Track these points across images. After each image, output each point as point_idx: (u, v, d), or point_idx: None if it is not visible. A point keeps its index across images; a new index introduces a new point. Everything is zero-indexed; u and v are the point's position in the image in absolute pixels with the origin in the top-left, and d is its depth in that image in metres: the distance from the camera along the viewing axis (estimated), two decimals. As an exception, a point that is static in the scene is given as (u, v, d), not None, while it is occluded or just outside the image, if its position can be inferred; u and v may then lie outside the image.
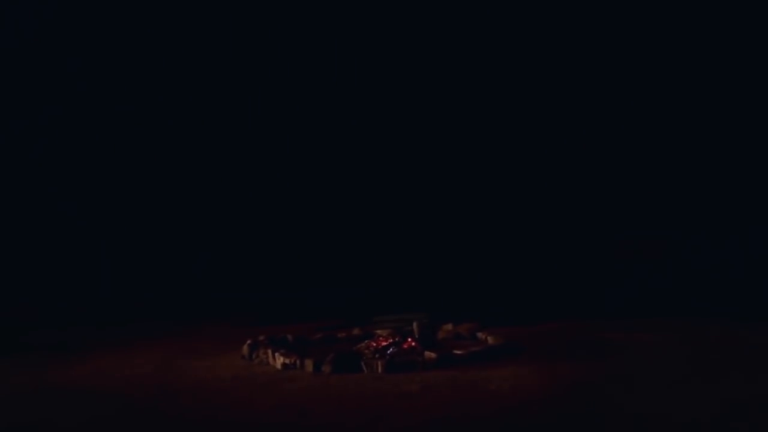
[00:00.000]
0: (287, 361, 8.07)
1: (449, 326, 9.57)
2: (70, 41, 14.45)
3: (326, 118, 14.86)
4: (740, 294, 11.53)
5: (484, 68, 14.57)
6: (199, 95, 14.77)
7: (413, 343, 8.34)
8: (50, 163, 14.70)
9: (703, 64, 13.58)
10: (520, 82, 14.42)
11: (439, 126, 14.80)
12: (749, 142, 13.29)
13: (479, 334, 9.33)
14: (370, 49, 14.63)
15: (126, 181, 15.04)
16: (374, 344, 8.33)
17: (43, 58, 14.44)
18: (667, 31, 13.65)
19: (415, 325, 8.81)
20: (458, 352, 8.13)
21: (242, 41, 14.70)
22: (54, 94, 14.53)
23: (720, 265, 12.34)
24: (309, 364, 7.86)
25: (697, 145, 13.52)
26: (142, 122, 14.69)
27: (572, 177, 14.63)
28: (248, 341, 8.95)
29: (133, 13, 14.55)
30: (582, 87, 14.22)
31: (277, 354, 8.26)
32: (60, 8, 14.34)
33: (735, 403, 6.06)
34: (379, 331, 8.92)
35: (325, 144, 15.06)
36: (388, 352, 8.08)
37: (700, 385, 6.68)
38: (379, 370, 7.65)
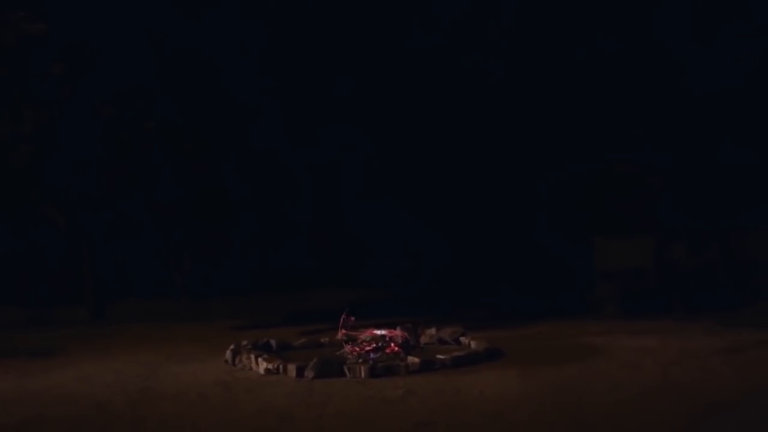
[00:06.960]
0: (270, 366, 8.03)
1: (433, 330, 9.57)
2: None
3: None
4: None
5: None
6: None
7: (396, 348, 8.32)
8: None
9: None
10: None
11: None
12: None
13: (462, 339, 9.34)
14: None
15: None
16: (357, 349, 8.31)
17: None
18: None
19: (398, 329, 8.78)
20: (441, 356, 8.14)
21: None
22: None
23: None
24: (292, 369, 7.83)
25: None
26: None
27: (559, 182, 14.71)
28: (231, 346, 8.90)
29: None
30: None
31: (260, 359, 8.22)
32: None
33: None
34: (362, 336, 8.88)
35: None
36: (372, 357, 8.07)
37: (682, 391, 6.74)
38: (363, 375, 7.64)
